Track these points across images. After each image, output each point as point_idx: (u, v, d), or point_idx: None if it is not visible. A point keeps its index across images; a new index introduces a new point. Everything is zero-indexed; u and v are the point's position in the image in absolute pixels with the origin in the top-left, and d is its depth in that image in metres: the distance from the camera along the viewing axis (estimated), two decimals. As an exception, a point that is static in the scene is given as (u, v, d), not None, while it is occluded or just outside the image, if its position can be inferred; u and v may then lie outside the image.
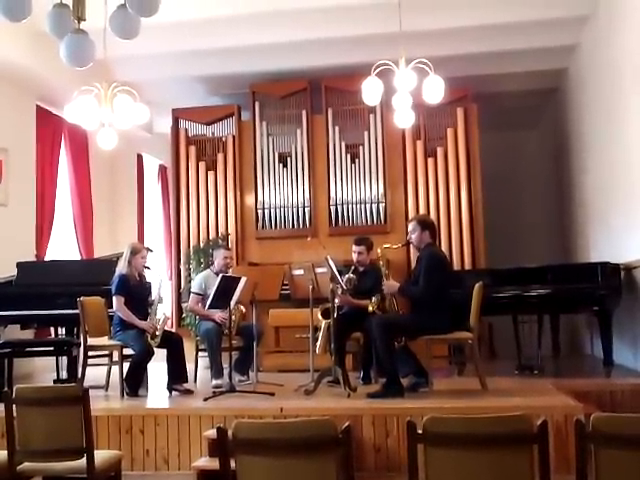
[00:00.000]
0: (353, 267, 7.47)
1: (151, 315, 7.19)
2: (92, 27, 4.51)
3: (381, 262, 6.84)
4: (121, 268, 7.32)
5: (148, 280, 7.82)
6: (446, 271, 6.78)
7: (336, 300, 7.09)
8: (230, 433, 2.99)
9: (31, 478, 4.56)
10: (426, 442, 2.92)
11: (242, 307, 7.72)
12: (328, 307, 7.07)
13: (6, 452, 4.33)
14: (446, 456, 2.91)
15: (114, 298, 7.17)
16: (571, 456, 4.38)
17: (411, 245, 7.09)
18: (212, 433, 5.58)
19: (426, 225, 6.76)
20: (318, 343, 7.35)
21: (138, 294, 7.33)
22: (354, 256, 7.55)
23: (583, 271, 7.94)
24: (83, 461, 4.28)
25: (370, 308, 6.86)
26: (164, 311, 7.47)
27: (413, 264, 7.69)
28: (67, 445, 4.29)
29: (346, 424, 2.93)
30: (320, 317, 7.41)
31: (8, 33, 8.26)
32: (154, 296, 7.41)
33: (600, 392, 6.83)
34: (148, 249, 7.68)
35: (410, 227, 6.80)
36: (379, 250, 6.90)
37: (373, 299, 6.89)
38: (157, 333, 7.08)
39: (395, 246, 7.03)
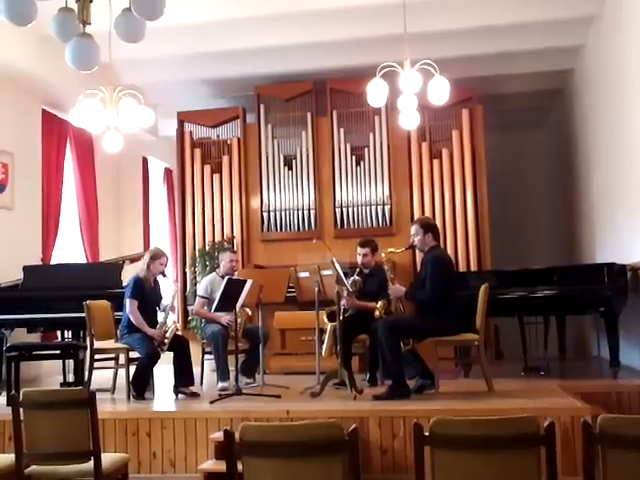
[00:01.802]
0: (358, 269, 7.47)
1: (160, 323, 7.19)
2: (97, 31, 4.51)
3: (386, 266, 6.83)
4: (139, 271, 7.33)
5: (161, 286, 7.82)
6: (451, 273, 6.78)
7: (342, 302, 7.08)
8: (237, 436, 2.99)
9: (38, 481, 4.57)
10: (433, 444, 2.91)
11: (248, 310, 7.72)
12: (334, 309, 7.07)
13: (14, 455, 4.34)
14: (453, 458, 2.90)
15: (127, 301, 7.17)
16: (578, 458, 4.39)
17: (415, 248, 7.07)
18: (218, 436, 5.59)
19: (428, 227, 6.75)
20: (324, 345, 7.35)
21: (150, 299, 7.34)
22: (359, 258, 7.55)
23: (589, 272, 7.91)
24: (90, 464, 4.29)
25: (377, 313, 6.85)
26: (174, 319, 7.47)
27: (418, 266, 7.67)
28: (74, 448, 4.30)
29: (353, 426, 2.93)
30: (326, 320, 7.41)
31: (14, 37, 8.28)
32: (166, 304, 7.40)
33: (607, 393, 6.83)
34: (166, 256, 7.65)
35: (412, 230, 6.79)
36: (383, 254, 6.91)
37: (379, 304, 6.89)
38: (165, 341, 7.09)
39: (399, 250, 7.02)
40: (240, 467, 3.03)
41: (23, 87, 9.60)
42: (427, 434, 2.92)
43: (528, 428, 2.86)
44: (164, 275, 7.49)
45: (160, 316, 7.30)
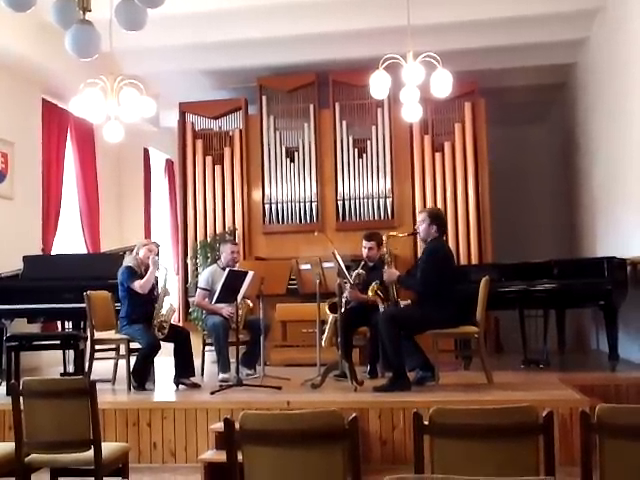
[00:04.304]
0: (363, 262, 7.45)
1: (157, 308, 7.18)
2: (98, 18, 4.49)
3: (385, 249, 6.82)
4: (127, 261, 7.32)
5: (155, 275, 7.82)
6: (447, 266, 6.72)
7: (345, 294, 7.09)
8: (237, 424, 2.99)
9: (39, 469, 4.57)
10: (432, 433, 2.92)
11: (249, 301, 7.72)
12: (336, 301, 7.07)
13: (14, 444, 4.35)
14: (452, 447, 2.90)
15: (132, 286, 7.14)
16: (576, 449, 4.38)
17: (417, 236, 7.08)
18: (219, 426, 5.58)
19: (436, 218, 6.73)
20: (324, 335, 7.35)
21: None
22: (364, 251, 7.52)
23: (589, 266, 7.91)
24: (90, 453, 4.29)
25: (370, 293, 6.86)
26: (170, 302, 7.44)
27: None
28: (74, 437, 4.30)
29: (353, 415, 2.92)
30: (328, 311, 7.41)
31: (13, 24, 8.21)
32: (159, 289, 7.39)
33: (605, 386, 6.85)
34: (156, 244, 7.67)
35: (420, 218, 6.80)
36: (384, 237, 6.91)
37: (372, 284, 6.89)
38: (164, 325, 7.08)
39: (401, 235, 7.04)
40: (240, 456, 3.02)
41: (23, 76, 9.57)
42: (426, 423, 2.92)
43: (527, 417, 2.87)
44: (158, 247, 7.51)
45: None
